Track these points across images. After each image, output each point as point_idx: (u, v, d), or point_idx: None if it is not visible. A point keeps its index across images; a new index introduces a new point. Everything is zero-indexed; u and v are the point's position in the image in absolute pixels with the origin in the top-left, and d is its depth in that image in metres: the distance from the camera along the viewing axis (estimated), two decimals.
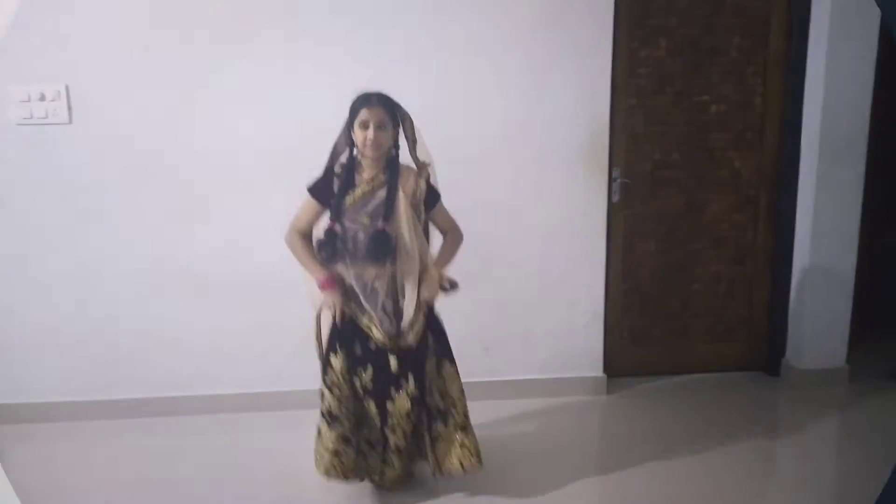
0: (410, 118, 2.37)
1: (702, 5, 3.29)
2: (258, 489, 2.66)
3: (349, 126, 2.33)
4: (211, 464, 2.88)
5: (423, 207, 2.40)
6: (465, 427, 2.50)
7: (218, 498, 2.62)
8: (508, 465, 2.80)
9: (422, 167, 2.40)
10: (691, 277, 3.57)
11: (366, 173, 2.35)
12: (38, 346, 3.16)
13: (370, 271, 2.34)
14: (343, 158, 2.39)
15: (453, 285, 2.48)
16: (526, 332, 3.37)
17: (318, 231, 2.40)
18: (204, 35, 2.98)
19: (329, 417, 2.41)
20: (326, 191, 2.36)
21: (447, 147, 3.05)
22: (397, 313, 2.38)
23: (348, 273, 2.35)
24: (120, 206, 3.08)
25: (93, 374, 3.21)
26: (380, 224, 2.29)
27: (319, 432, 2.44)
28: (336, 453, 2.40)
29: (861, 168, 3.34)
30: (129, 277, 3.14)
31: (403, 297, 2.37)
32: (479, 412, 2.87)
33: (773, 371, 3.63)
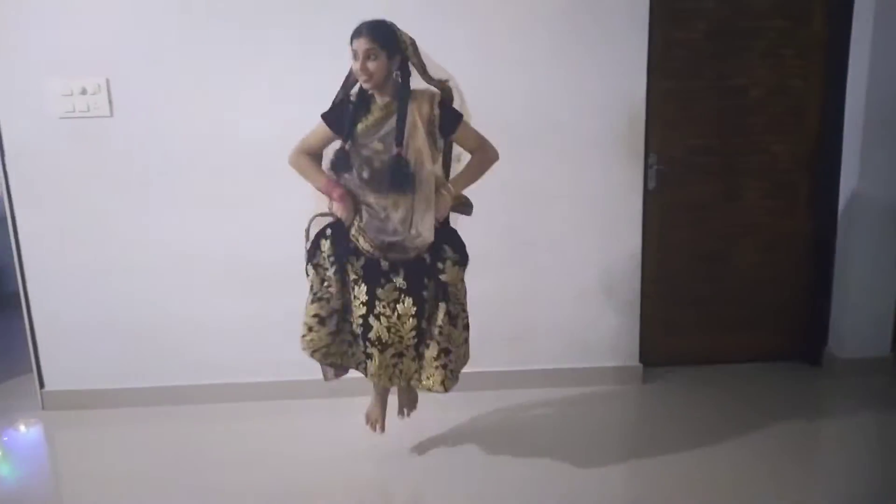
0: (413, 42, 2.33)
1: None
2: (295, 474, 2.71)
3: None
4: (248, 449, 2.94)
5: (439, 133, 2.36)
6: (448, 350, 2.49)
7: (263, 482, 2.67)
8: (544, 452, 2.80)
9: (438, 86, 2.37)
10: (728, 265, 3.51)
11: (379, 100, 2.35)
12: (85, 335, 3.26)
13: (388, 199, 2.33)
14: (356, 88, 2.39)
15: (467, 205, 2.48)
16: (562, 320, 3.35)
17: (329, 153, 2.44)
18: (239, 28, 3.01)
19: (311, 293, 2.52)
20: (339, 118, 2.38)
21: (489, 130, 3.06)
22: (408, 239, 2.37)
23: (362, 195, 2.38)
24: (161, 198, 3.15)
25: (138, 362, 3.29)
26: (395, 150, 2.28)
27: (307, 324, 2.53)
28: (310, 328, 2.52)
29: None
30: (170, 267, 3.21)
31: (415, 225, 2.35)
32: (512, 400, 2.90)
33: (814, 360, 3.55)
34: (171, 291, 3.24)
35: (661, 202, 3.37)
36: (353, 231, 2.41)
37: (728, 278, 3.52)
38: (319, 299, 2.49)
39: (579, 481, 2.61)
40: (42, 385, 3.31)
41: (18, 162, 3.08)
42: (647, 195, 3.30)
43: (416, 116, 2.30)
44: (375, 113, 2.34)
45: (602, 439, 2.94)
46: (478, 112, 3.06)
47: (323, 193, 2.43)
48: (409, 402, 2.78)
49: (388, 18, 2.98)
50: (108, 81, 3.01)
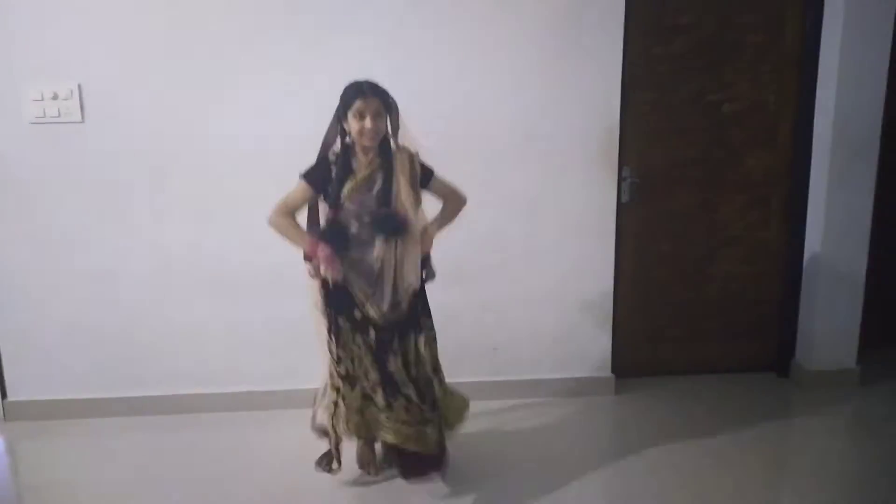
0: (397, 106, 2.41)
1: (717, 2, 3.26)
2: (277, 485, 2.68)
3: (341, 116, 2.36)
4: (228, 460, 2.90)
5: (419, 186, 2.46)
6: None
7: (236, 495, 2.64)
8: (515, 464, 2.81)
9: (407, 152, 2.44)
10: (704, 277, 3.55)
11: (362, 158, 2.38)
12: (58, 344, 3.20)
13: (375, 252, 2.39)
14: (336, 147, 2.42)
15: (430, 271, 2.58)
16: (536, 331, 3.37)
17: (321, 222, 2.47)
18: (218, 34, 2.98)
19: (348, 379, 2.49)
20: (321, 178, 2.40)
21: (463, 143, 3.10)
22: (396, 289, 2.44)
23: (355, 257, 2.41)
24: (134, 205, 3.10)
25: (112, 372, 3.24)
26: (387, 208, 2.37)
27: (339, 399, 2.50)
28: (361, 411, 2.51)
29: (874, 167, 3.30)
30: (146, 275, 3.16)
31: (404, 275, 2.43)
32: (487, 411, 2.89)
33: (782, 372, 3.61)
34: (142, 299, 3.19)
35: (636, 214, 3.40)
36: (360, 297, 2.44)
37: (703, 290, 3.57)
38: (357, 378, 2.51)
39: (549, 491, 2.62)
40: (4, 395, 3.23)
41: None
42: (622, 207, 3.33)
43: (400, 172, 2.38)
44: (361, 171, 2.38)
45: (570, 450, 2.95)
46: (459, 126, 3.09)
47: (308, 254, 2.43)
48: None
49: (371, 35, 3.00)
50: (79, 87, 2.96)
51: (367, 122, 2.30)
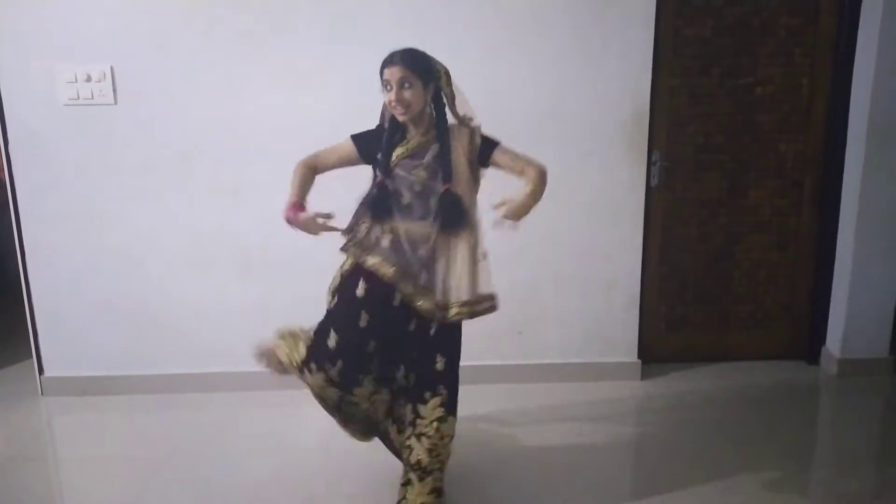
0: (447, 71, 2.21)
1: None
2: (302, 463, 2.72)
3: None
4: (248, 438, 2.95)
5: (477, 162, 2.24)
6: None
7: (264, 472, 2.68)
8: (538, 448, 2.82)
9: (462, 121, 2.25)
10: (732, 263, 3.51)
11: (414, 131, 2.20)
12: (91, 322, 3.26)
13: (422, 229, 2.18)
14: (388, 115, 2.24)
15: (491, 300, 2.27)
16: (561, 315, 3.36)
17: (366, 188, 2.28)
18: (248, 13, 2.99)
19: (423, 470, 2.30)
20: (369, 143, 2.23)
21: (488, 124, 3.06)
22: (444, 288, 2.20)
23: (399, 228, 2.19)
24: (165, 186, 3.14)
25: (143, 349, 3.30)
26: (443, 185, 2.16)
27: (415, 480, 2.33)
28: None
29: None
30: (174, 255, 3.21)
31: (451, 276, 2.19)
32: (511, 395, 2.89)
33: (812, 360, 3.57)
34: (173, 279, 3.23)
35: (665, 199, 3.37)
36: (408, 289, 2.19)
37: (731, 276, 3.53)
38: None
39: (573, 476, 2.63)
40: (41, 371, 3.31)
41: (22, 148, 3.07)
42: (651, 192, 3.29)
43: (460, 151, 2.19)
44: (414, 140, 2.20)
45: (594, 434, 2.95)
46: (483, 107, 3.06)
47: (286, 215, 2.25)
48: None
49: (394, 15, 2.97)
50: (112, 69, 3.00)
51: (393, 93, 2.11)
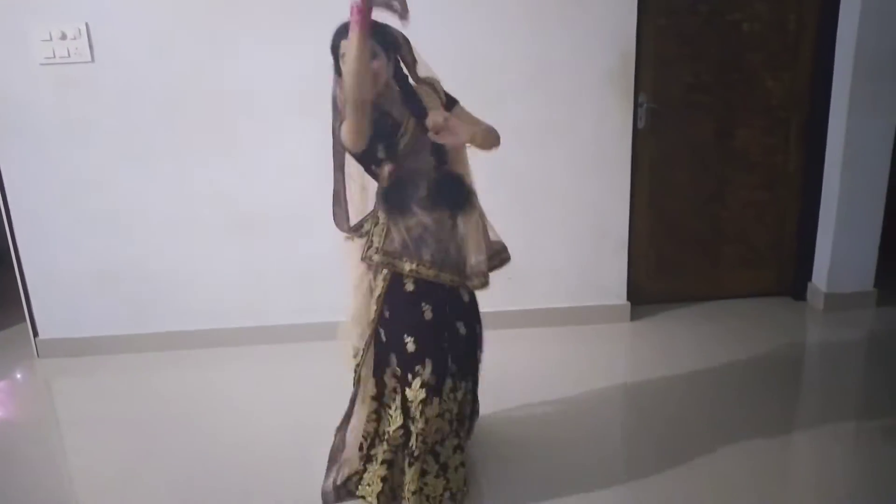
0: (405, 37, 2.02)
1: None
2: (292, 419, 2.76)
3: (334, 63, 1.99)
4: (242, 393, 2.99)
5: None
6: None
7: (260, 426, 2.72)
8: (529, 391, 2.86)
9: (429, 83, 2.10)
10: (721, 204, 3.53)
11: (396, 115, 2.03)
12: (82, 283, 3.26)
13: (443, 216, 2.07)
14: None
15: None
16: (550, 261, 3.38)
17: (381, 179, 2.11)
18: None
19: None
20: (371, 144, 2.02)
21: (476, 77, 3.04)
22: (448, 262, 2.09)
23: (418, 221, 2.05)
24: (149, 145, 3.10)
25: (134, 309, 3.31)
26: (445, 166, 2.07)
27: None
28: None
29: None
30: (163, 215, 3.20)
31: (462, 249, 2.11)
32: (503, 341, 2.92)
33: (799, 295, 3.63)
34: (163, 239, 3.23)
35: (652, 142, 3.36)
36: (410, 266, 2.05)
37: (720, 217, 3.55)
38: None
39: (566, 419, 2.69)
40: (36, 334, 3.32)
41: (1, 112, 3.01)
42: (638, 135, 3.28)
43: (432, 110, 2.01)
44: (409, 130, 2.03)
45: (584, 377, 3.00)
46: (466, 57, 3.03)
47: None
48: None
49: None
50: (87, 25, 2.92)
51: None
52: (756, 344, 3.21)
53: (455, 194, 2.08)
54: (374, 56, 1.91)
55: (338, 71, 1.99)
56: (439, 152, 2.08)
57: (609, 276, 3.44)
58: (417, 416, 2.10)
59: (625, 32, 3.10)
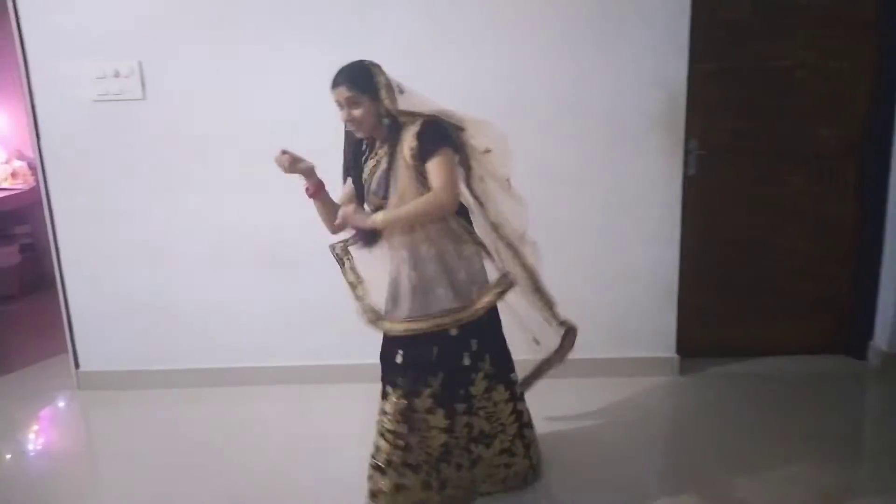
0: (386, 80, 2.12)
1: None
2: (322, 458, 2.70)
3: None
4: (277, 432, 2.94)
5: (419, 160, 2.12)
6: (511, 450, 2.40)
7: (282, 466, 2.67)
8: (580, 443, 2.76)
9: (407, 116, 2.14)
10: (771, 253, 3.39)
11: (378, 144, 2.21)
12: (120, 317, 3.29)
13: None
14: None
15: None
16: (593, 310, 3.26)
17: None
18: (272, 11, 2.98)
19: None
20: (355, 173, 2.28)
21: (508, 111, 3.01)
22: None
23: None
24: (193, 181, 3.15)
25: (170, 344, 3.32)
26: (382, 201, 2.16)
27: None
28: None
29: None
30: (198, 251, 3.22)
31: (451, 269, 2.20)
32: (542, 393, 2.83)
33: (858, 354, 3.43)
34: (197, 275, 3.25)
35: (700, 188, 3.26)
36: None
37: (770, 267, 3.40)
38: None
39: (610, 477, 2.56)
40: (77, 366, 3.36)
41: (54, 145, 3.11)
42: (687, 181, 3.19)
43: (401, 159, 2.12)
44: (369, 163, 2.22)
45: (635, 432, 2.87)
46: (504, 97, 3.00)
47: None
48: None
49: (406, 10, 2.90)
50: (140, 64, 3.01)
51: (344, 113, 2.14)
52: (815, 407, 3.01)
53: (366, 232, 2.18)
54: (355, 104, 2.11)
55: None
56: (385, 185, 2.15)
57: (657, 327, 3.31)
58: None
59: (675, 77, 3.04)
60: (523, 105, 3.04)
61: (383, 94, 2.11)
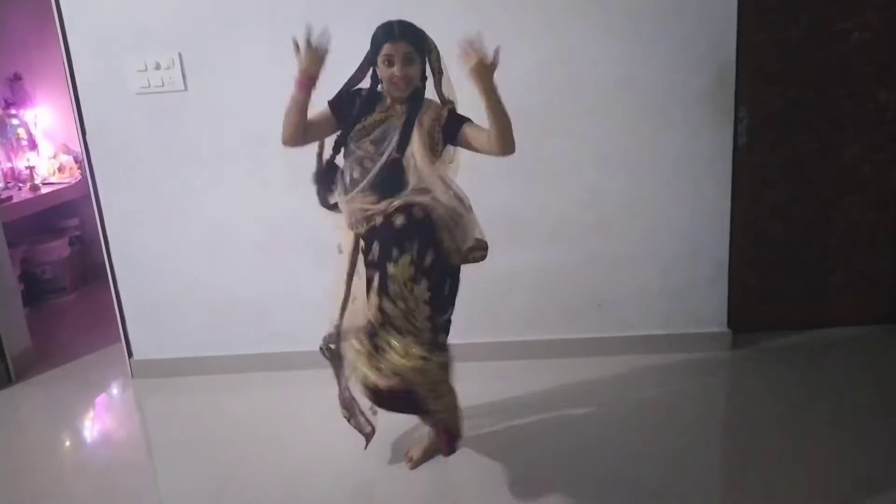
0: (437, 49, 2.14)
1: None
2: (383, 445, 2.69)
3: (371, 61, 2.15)
4: (329, 418, 2.95)
5: (444, 142, 2.16)
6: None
7: (340, 453, 2.67)
8: (630, 420, 2.72)
9: (445, 103, 2.19)
10: (826, 226, 3.29)
11: (388, 104, 2.17)
12: (172, 306, 3.33)
13: (362, 207, 2.18)
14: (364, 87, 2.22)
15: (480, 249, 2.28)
16: (644, 287, 3.22)
17: (318, 161, 2.34)
18: (312, 3, 2.93)
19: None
20: (344, 109, 2.20)
21: (558, 93, 2.95)
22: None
23: (345, 205, 2.23)
24: (238, 173, 3.15)
25: (220, 331, 3.35)
26: (393, 155, 2.12)
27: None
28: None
29: None
30: (249, 241, 3.23)
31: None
32: (595, 368, 2.79)
33: None
34: (249, 265, 3.26)
35: (753, 160, 3.16)
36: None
37: (825, 240, 3.30)
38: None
39: (664, 450, 2.53)
40: (130, 354, 3.41)
41: (99, 139, 3.13)
42: (738, 153, 3.09)
43: (417, 122, 2.13)
44: (376, 115, 2.17)
45: (686, 408, 2.83)
46: (545, 72, 2.93)
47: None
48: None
49: None
50: (180, 56, 3.01)
51: (396, 70, 2.07)
52: (868, 379, 2.94)
53: (388, 182, 2.13)
54: (410, 62, 2.07)
55: (369, 62, 2.17)
56: (399, 142, 2.12)
57: (709, 303, 3.24)
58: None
59: (723, 46, 2.94)
60: (575, 86, 2.97)
61: (434, 56, 2.14)
